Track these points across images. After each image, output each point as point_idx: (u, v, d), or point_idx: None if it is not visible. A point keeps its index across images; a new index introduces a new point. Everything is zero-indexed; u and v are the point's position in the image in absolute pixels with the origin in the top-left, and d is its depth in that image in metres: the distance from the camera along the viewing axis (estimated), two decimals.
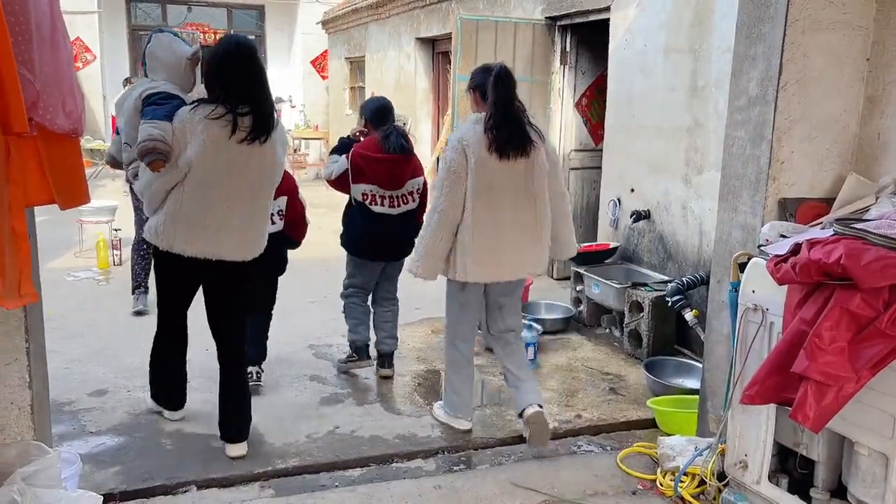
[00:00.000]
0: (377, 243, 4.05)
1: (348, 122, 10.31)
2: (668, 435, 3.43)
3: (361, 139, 4.12)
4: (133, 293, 5.25)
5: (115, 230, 6.70)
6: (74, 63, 2.01)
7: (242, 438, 3.26)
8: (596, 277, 4.93)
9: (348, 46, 12.43)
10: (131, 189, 4.27)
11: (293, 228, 3.93)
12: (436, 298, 5.03)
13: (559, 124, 6.31)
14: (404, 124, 10.63)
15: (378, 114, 4.09)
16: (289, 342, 4.71)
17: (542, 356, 4.53)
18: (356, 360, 4.23)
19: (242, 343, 3.31)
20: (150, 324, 3.71)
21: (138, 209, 4.57)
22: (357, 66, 12.38)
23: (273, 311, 4.07)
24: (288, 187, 3.80)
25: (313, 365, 4.39)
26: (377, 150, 3.95)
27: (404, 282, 4.17)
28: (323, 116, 14.67)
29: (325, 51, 14.31)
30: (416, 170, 4.09)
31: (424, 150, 9.17)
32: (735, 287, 2.91)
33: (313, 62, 15.19)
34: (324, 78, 14.80)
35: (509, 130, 3.16)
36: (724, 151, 3.19)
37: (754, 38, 3.00)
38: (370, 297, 4.28)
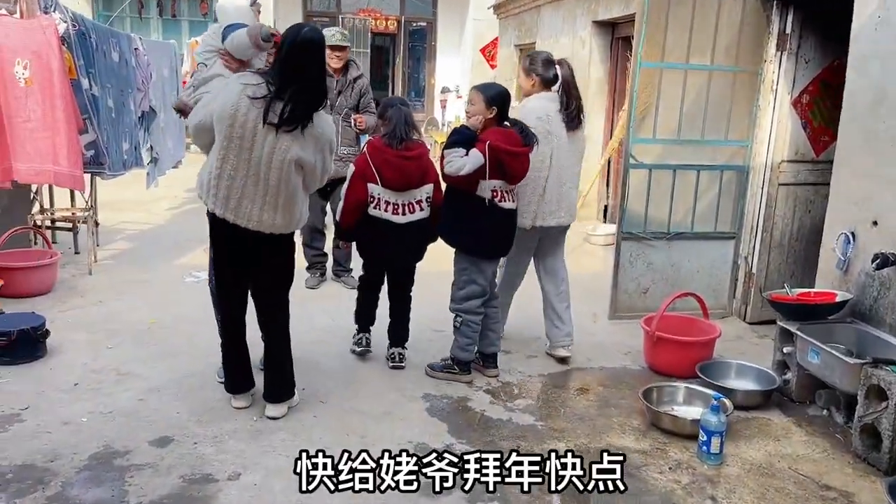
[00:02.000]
0: (501, 241, 3.86)
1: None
2: None
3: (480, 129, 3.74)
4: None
5: None
6: None
7: (279, 401, 3.42)
8: (815, 342, 3.57)
9: (518, 32, 11.41)
10: None
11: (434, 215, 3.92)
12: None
13: (768, 126, 4.91)
14: None
15: (507, 102, 3.73)
16: (399, 386, 3.84)
17: (729, 445, 3.29)
18: (456, 374, 3.91)
19: (278, 314, 3.42)
20: None
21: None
22: (527, 54, 11.33)
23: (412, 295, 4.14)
24: (434, 176, 3.91)
25: (424, 426, 3.44)
26: (518, 143, 3.66)
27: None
28: None
29: (496, 38, 13.33)
30: None
31: (595, 149, 7.97)
32: None
33: (483, 50, 14.27)
34: (492, 67, 13.82)
35: (578, 112, 4.03)
36: None
37: None
38: None
